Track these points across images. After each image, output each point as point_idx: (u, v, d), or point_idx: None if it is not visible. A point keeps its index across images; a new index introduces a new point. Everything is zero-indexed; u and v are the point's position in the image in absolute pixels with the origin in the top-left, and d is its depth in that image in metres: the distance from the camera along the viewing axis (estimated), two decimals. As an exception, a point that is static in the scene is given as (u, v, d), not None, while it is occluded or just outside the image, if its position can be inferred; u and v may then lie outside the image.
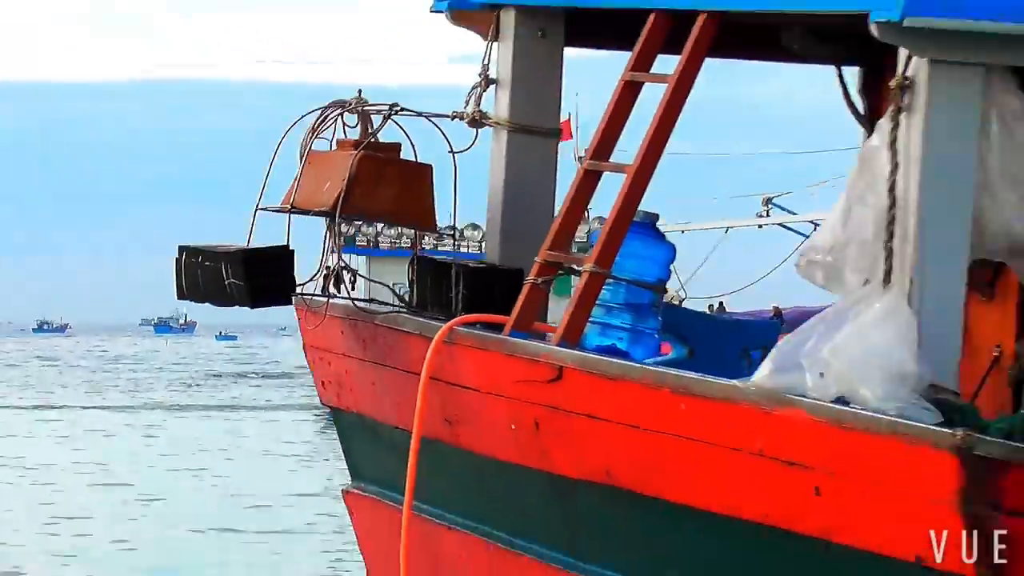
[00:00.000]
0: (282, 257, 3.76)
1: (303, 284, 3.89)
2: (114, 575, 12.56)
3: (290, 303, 3.91)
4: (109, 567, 12.72)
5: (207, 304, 3.95)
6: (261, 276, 3.68)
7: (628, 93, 3.56)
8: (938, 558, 2.39)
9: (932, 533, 2.38)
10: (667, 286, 4.14)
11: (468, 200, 4.09)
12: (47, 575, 12.15)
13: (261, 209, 3.85)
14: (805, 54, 3.86)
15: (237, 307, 3.80)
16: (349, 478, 4.57)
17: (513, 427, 3.49)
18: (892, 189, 2.81)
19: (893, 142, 2.81)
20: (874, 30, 2.79)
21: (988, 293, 3.74)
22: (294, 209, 3.75)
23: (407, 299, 3.94)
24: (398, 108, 3.72)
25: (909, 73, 2.81)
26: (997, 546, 2.25)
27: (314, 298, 3.96)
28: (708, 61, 3.70)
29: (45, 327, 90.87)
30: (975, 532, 2.30)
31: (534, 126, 3.92)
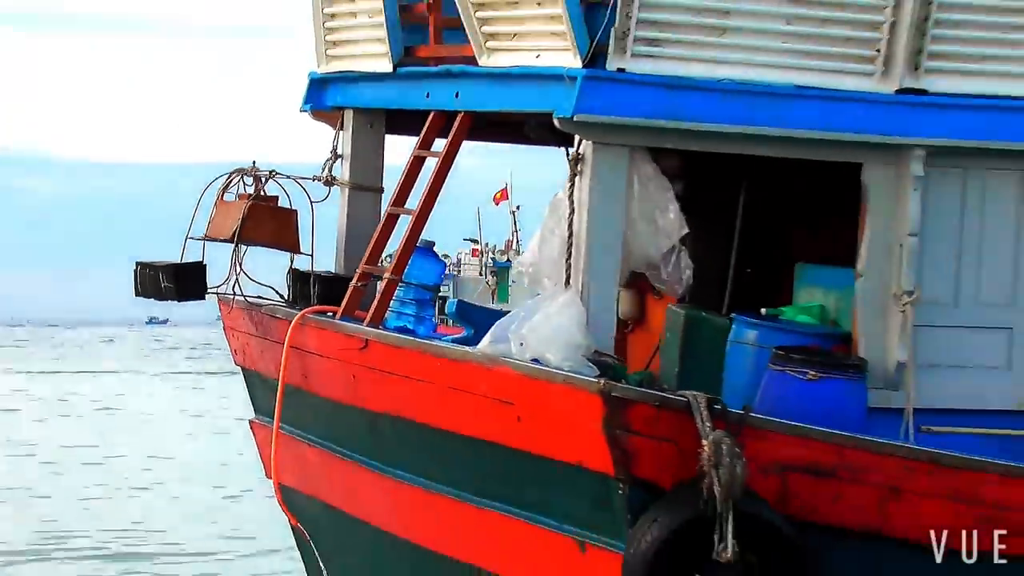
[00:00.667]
0: (198, 268, 5.66)
1: (216, 286, 5.80)
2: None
3: (204, 299, 5.82)
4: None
5: (152, 299, 5.84)
6: (185, 281, 5.60)
7: (416, 164, 5.15)
8: (593, 463, 3.53)
9: (589, 447, 3.49)
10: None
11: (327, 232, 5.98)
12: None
13: (190, 238, 5.78)
14: (540, 140, 5.29)
15: (169, 301, 5.73)
16: (253, 412, 6.52)
17: (341, 378, 5.30)
18: (570, 225, 4.11)
19: (571, 195, 4.10)
20: (557, 123, 3.97)
21: (657, 292, 5.10)
22: (208, 238, 5.69)
23: (286, 296, 5.88)
24: (276, 173, 5.67)
25: (581, 150, 4.07)
26: (628, 454, 3.34)
27: (226, 295, 5.88)
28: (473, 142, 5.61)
29: (153, 320, 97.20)
30: (613, 445, 3.35)
31: (365, 185, 5.78)
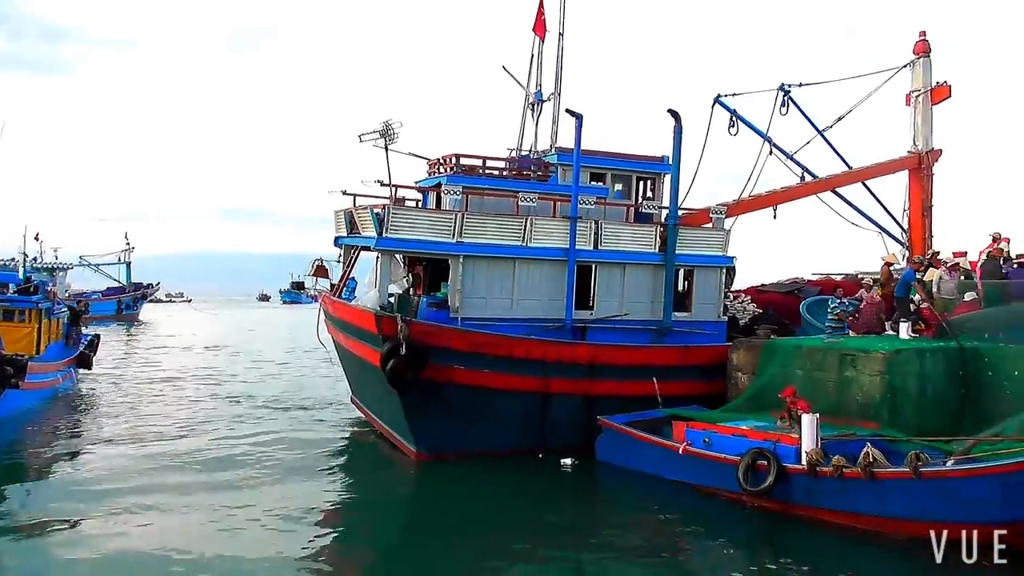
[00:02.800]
0: None
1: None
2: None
3: None
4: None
5: None
6: None
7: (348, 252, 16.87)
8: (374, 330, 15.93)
9: (373, 327, 15.81)
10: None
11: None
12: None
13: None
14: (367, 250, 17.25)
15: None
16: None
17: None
18: (376, 274, 16.40)
19: (377, 266, 16.35)
20: (373, 248, 16.26)
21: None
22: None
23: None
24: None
25: (378, 254, 16.30)
26: (382, 327, 15.53)
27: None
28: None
29: (265, 298, 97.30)
30: (377, 326, 15.77)
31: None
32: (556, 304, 16.56)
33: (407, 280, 18.62)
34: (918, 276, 16.56)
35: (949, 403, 13.45)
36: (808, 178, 21.48)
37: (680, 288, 18.09)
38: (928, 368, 13.51)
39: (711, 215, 18.49)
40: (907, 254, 22.20)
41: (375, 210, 15.61)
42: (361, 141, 15.14)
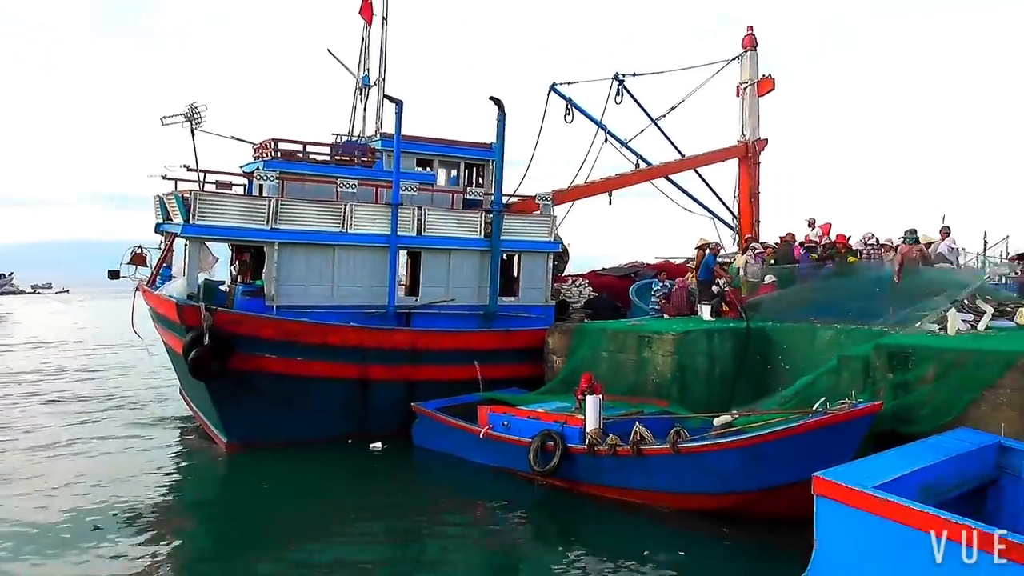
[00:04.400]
0: None
1: None
2: None
3: None
4: None
5: None
6: None
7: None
8: (178, 320, 15.53)
9: (177, 317, 15.39)
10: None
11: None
12: None
13: None
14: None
15: None
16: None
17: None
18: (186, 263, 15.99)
19: (186, 254, 15.92)
20: (180, 235, 15.86)
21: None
22: None
23: None
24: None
25: (186, 241, 15.86)
26: (184, 317, 15.15)
27: None
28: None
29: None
30: (179, 316, 15.34)
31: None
32: (379, 290, 16.56)
33: (234, 268, 18.29)
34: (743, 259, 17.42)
35: (735, 379, 14.25)
36: (642, 165, 22.17)
37: (516, 273, 18.41)
38: (716, 347, 14.26)
39: (537, 201, 18.84)
40: (736, 238, 23.36)
41: (181, 195, 15.16)
42: (164, 124, 14.66)
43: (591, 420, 12.04)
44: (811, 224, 20.32)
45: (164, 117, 14.80)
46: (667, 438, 11.03)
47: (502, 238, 17.74)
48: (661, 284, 18.50)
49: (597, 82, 21.71)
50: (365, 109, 18.63)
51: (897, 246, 15.38)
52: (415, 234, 16.94)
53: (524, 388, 16.43)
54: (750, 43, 23.15)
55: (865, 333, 12.86)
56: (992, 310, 13.01)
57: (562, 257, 20.33)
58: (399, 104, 16.52)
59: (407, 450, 15.21)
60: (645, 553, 9.70)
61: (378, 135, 18.14)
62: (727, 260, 20.42)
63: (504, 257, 18.37)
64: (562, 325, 16.97)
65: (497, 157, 17.74)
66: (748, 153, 23.07)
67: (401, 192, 16.74)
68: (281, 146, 16.77)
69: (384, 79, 17.90)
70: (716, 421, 11.47)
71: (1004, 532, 6.66)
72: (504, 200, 19.46)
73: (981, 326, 12.76)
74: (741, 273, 17.68)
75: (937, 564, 6.95)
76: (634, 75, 21.99)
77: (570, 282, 21.23)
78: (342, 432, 15.52)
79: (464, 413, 14.74)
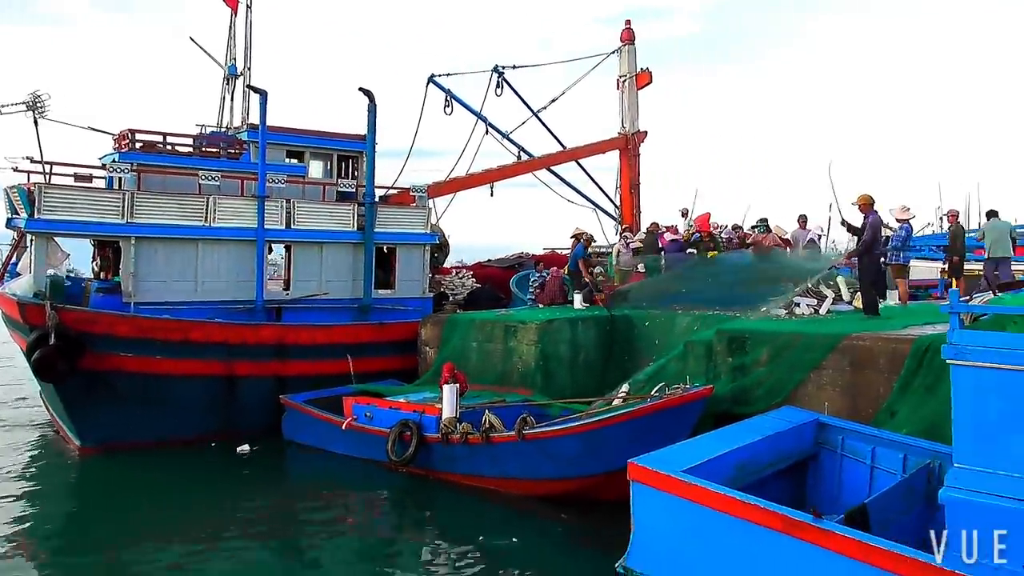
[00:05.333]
0: None
1: None
2: None
3: None
4: None
5: None
6: None
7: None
8: (23, 320, 14.72)
9: (22, 316, 14.55)
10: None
11: None
12: None
13: None
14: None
15: None
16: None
17: None
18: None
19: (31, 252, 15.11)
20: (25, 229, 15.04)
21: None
22: None
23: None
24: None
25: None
26: (26, 317, 14.37)
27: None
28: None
29: None
30: (22, 315, 14.54)
31: None
32: (247, 285, 16.16)
33: (95, 264, 17.53)
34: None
35: (599, 366, 14.57)
36: (524, 157, 22.34)
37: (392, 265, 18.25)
38: (580, 335, 14.53)
39: (412, 193, 18.75)
40: (619, 228, 23.82)
41: (25, 188, 14.41)
42: (0, 114, 13.87)
43: (447, 409, 12.10)
44: (684, 214, 20.97)
45: (2, 106, 14.01)
46: (515, 425, 11.17)
47: (377, 231, 17.58)
48: (538, 275, 18.72)
49: (476, 74, 21.74)
50: (232, 99, 18.11)
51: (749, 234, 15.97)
52: (284, 227, 16.60)
53: (401, 380, 16.37)
54: (628, 37, 23.61)
55: (718, 319, 13.33)
56: (833, 295, 13.70)
57: (442, 249, 20.34)
58: (263, 94, 16.13)
59: (278, 447, 14.94)
60: (481, 539, 9.86)
61: (245, 126, 17.67)
62: (607, 251, 20.87)
63: (385, 250, 18.22)
64: (434, 317, 16.96)
65: (369, 149, 17.56)
66: (628, 145, 23.55)
67: (268, 184, 16.38)
68: (139, 137, 16.13)
69: (250, 69, 17.47)
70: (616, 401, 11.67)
71: (785, 509, 7.05)
72: (382, 193, 19.34)
73: (823, 310, 13.43)
74: (614, 262, 18.07)
75: (736, 543, 7.30)
76: (514, 67, 22.14)
77: (453, 274, 21.25)
78: (208, 431, 15.09)
79: (334, 405, 14.60)
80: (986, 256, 14.08)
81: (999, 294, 7.56)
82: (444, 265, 20.82)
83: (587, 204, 23.77)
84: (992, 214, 14.73)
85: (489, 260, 23.51)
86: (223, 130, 18.22)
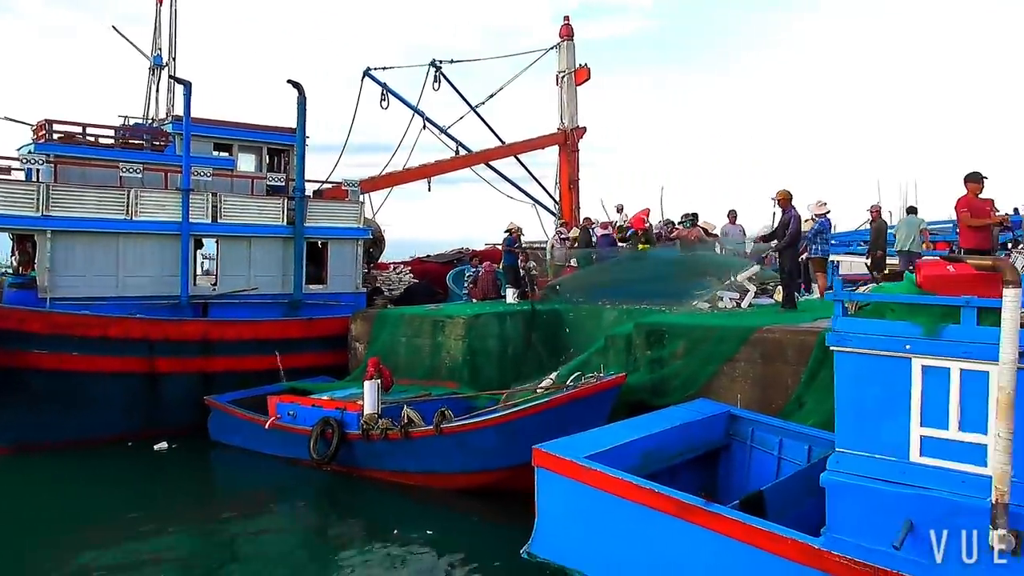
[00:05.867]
0: None
1: None
2: None
3: None
4: None
5: None
6: None
7: None
8: None
9: None
10: None
11: None
12: None
13: None
14: None
15: None
16: None
17: None
18: None
19: None
20: None
21: None
22: None
23: None
24: None
25: None
26: None
27: None
28: None
29: None
30: None
31: None
32: (171, 280, 15.80)
33: (14, 259, 17.00)
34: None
35: (527, 360, 14.59)
36: (462, 152, 22.28)
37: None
38: (508, 330, 14.54)
39: (344, 188, 18.55)
40: (557, 223, 23.92)
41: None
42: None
43: (368, 405, 11.99)
44: (619, 209, 21.13)
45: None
46: (433, 419, 11.13)
47: (308, 225, 17.36)
48: (473, 270, 18.69)
49: (414, 68, 21.60)
50: (157, 91, 17.70)
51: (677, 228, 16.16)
52: (210, 221, 16.28)
53: (332, 376, 16.19)
54: (567, 33, 23.69)
55: (643, 313, 13.45)
56: (755, 288, 13.92)
57: (377, 244, 20.18)
58: (187, 85, 15.79)
59: (203, 446, 14.63)
60: (396, 533, 9.80)
61: (170, 118, 17.28)
62: (542, 246, 20.92)
63: (319, 244, 17.99)
64: (364, 312, 16.82)
65: (299, 142, 17.32)
66: (567, 141, 23.64)
67: (194, 177, 16.04)
68: (58, 128, 15.67)
69: (175, 59, 17.08)
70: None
71: (678, 493, 7.14)
72: (316, 187, 19.12)
73: (745, 303, 13.64)
74: (548, 256, 18.13)
75: (632, 527, 7.37)
76: (451, 62, 22.05)
77: (391, 269, 21.11)
78: (129, 430, 14.71)
79: (262, 405, 14.34)
80: (897, 250, 14.46)
81: (881, 283, 7.74)
82: (381, 260, 20.66)
83: (526, 200, 23.81)
84: (912, 211, 15.13)
85: (428, 255, 23.40)
86: (148, 122, 17.79)
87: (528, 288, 16.82)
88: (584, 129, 24.03)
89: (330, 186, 19.34)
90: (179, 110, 17.07)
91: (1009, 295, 5.30)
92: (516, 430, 10.43)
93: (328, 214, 17.87)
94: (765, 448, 9.57)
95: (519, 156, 23.46)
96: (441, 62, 21.85)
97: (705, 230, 16.71)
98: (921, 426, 5.96)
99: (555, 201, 24.32)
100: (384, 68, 20.93)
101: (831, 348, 6.38)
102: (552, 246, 18.18)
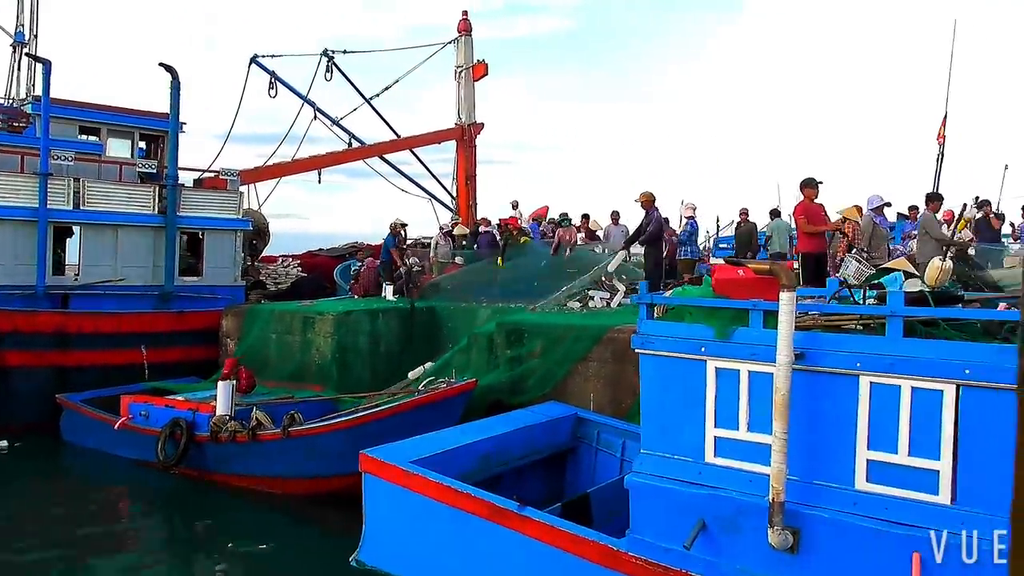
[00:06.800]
0: None
1: None
2: None
3: None
4: None
5: None
6: None
7: None
8: None
9: None
10: None
11: None
12: None
13: None
14: None
15: None
16: None
17: None
18: None
19: None
20: None
21: None
22: None
23: None
24: None
25: None
26: None
27: None
28: None
29: None
30: None
31: None
32: (26, 269, 14.92)
33: None
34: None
35: (400, 359, 14.35)
36: (355, 144, 21.87)
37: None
38: (380, 327, 14.27)
39: (223, 177, 17.92)
40: (456, 219, 23.73)
41: None
42: None
43: (220, 407, 11.57)
44: (515, 206, 21.11)
45: None
46: (282, 422, 10.81)
47: (183, 215, 16.68)
48: (359, 265, 18.33)
49: (305, 56, 21.08)
50: (19, 69, 16.70)
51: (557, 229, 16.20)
52: (72, 208, 15.44)
53: (204, 373, 15.59)
54: (464, 28, 23.50)
55: (515, 311, 13.39)
56: (624, 288, 14.04)
57: (262, 236, 19.60)
58: (47, 64, 14.95)
59: (53, 446, 13.87)
60: (230, 546, 9.43)
61: (30, 98, 16.34)
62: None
63: (199, 235, 17.31)
64: (235, 307, 16.26)
65: (172, 128, 16.61)
66: (464, 136, 23.45)
67: (53, 161, 15.18)
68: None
69: (36, 36, 16.14)
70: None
71: (493, 497, 7.06)
72: (196, 176, 18.43)
73: (614, 303, 13.74)
74: (432, 254, 17.93)
75: (452, 531, 7.25)
76: (344, 52, 21.58)
77: (279, 262, 20.57)
78: (-30, 426, 13.84)
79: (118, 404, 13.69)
80: (769, 253, 14.86)
81: (686, 286, 7.85)
82: (270, 253, 20.12)
83: (421, 194, 23.56)
84: (775, 214, 15.57)
85: (321, 249, 22.90)
86: (10, 102, 16.77)
87: (408, 285, 16.56)
88: (482, 125, 23.90)
89: (210, 175, 18.65)
90: (55, 91, 16.16)
91: (784, 299, 5.39)
92: (364, 435, 10.17)
93: (204, 204, 17.22)
94: (610, 450, 9.63)
95: (416, 151, 23.18)
96: (334, 52, 21.36)
97: (592, 231, 16.81)
98: (715, 427, 6.03)
99: (452, 197, 24.14)
100: (272, 56, 20.31)
101: (636, 351, 6.39)
102: (436, 243, 17.97)
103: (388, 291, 16.26)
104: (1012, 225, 16.44)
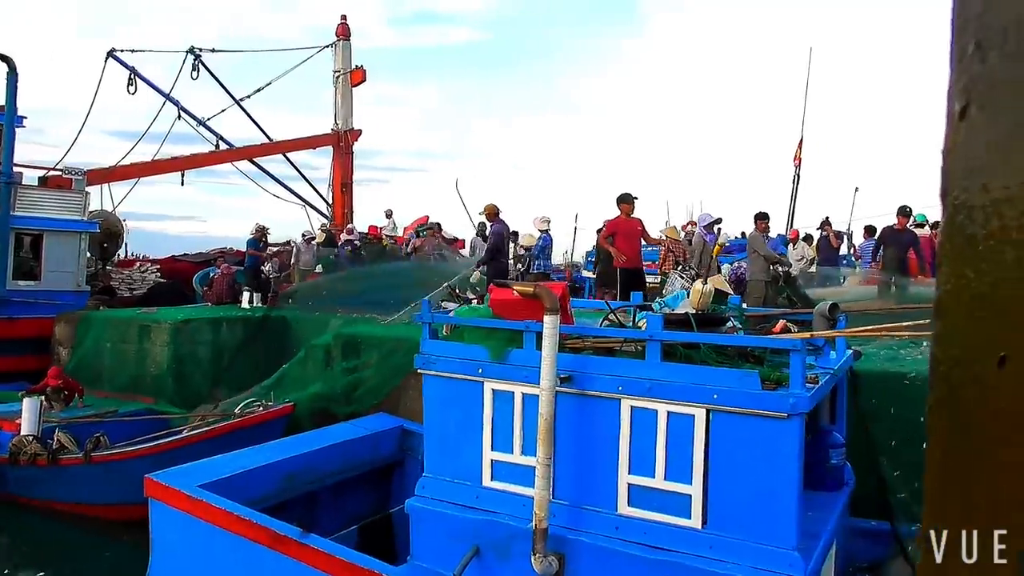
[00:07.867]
0: None
1: None
2: None
3: None
4: None
5: None
6: None
7: None
8: None
9: None
10: None
11: None
12: None
13: None
14: None
15: None
16: None
17: None
18: None
19: None
20: None
21: None
22: None
23: None
24: None
25: None
26: None
27: None
28: None
29: None
30: None
31: None
32: None
33: None
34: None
35: (246, 370, 13.78)
36: (223, 146, 21.06)
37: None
38: (224, 337, 13.68)
39: (67, 176, 16.88)
40: (326, 227, 23.19)
41: None
42: None
43: (25, 425, 10.74)
44: (388, 215, 20.79)
45: None
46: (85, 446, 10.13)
47: (19, 214, 15.63)
48: (218, 271, 17.61)
49: (168, 53, 20.17)
50: None
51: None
52: None
53: (35, 382, 14.53)
54: (343, 32, 23.07)
55: (366, 322, 13.07)
56: (475, 298, 13.91)
57: (113, 239, 18.60)
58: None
59: None
60: (29, 567, 8.77)
61: None
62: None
63: (40, 237, 16.21)
64: (69, 314, 15.30)
65: (7, 121, 15.53)
66: (340, 142, 22.97)
67: None
68: None
69: None
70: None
71: (275, 523, 6.74)
72: (40, 174, 17.33)
73: (467, 315, 13.56)
74: (293, 261, 17.40)
75: (235, 561, 6.88)
76: (212, 51, 20.78)
77: (136, 267, 19.56)
78: None
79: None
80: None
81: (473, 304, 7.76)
82: (115, 257, 19.08)
83: (295, 200, 22.93)
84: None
85: (186, 254, 21.93)
86: None
87: (267, 293, 16.00)
88: (359, 132, 23.47)
89: (57, 173, 17.54)
90: None
91: (548, 322, 5.31)
92: (172, 461, 9.57)
93: (44, 204, 16.17)
94: (436, 464, 9.39)
95: (289, 156, 22.55)
96: (201, 50, 20.53)
97: (448, 239, 16.68)
98: (492, 450, 5.91)
99: (328, 204, 23.59)
100: (133, 51, 19.33)
101: (419, 371, 6.22)
102: (297, 251, 17.43)
103: (245, 298, 15.65)
104: (853, 245, 17.16)
